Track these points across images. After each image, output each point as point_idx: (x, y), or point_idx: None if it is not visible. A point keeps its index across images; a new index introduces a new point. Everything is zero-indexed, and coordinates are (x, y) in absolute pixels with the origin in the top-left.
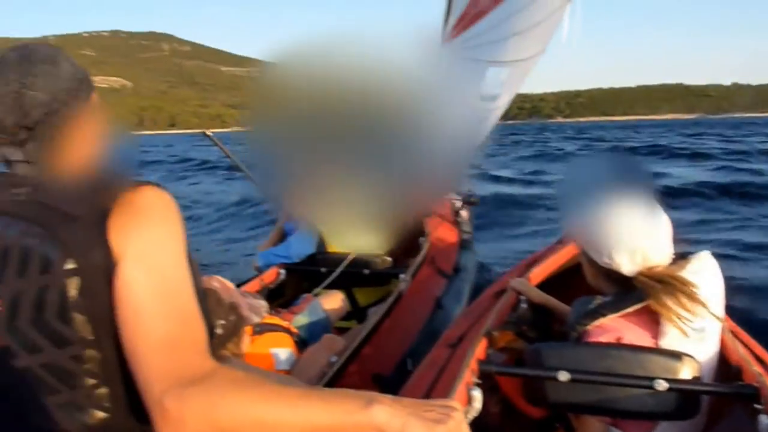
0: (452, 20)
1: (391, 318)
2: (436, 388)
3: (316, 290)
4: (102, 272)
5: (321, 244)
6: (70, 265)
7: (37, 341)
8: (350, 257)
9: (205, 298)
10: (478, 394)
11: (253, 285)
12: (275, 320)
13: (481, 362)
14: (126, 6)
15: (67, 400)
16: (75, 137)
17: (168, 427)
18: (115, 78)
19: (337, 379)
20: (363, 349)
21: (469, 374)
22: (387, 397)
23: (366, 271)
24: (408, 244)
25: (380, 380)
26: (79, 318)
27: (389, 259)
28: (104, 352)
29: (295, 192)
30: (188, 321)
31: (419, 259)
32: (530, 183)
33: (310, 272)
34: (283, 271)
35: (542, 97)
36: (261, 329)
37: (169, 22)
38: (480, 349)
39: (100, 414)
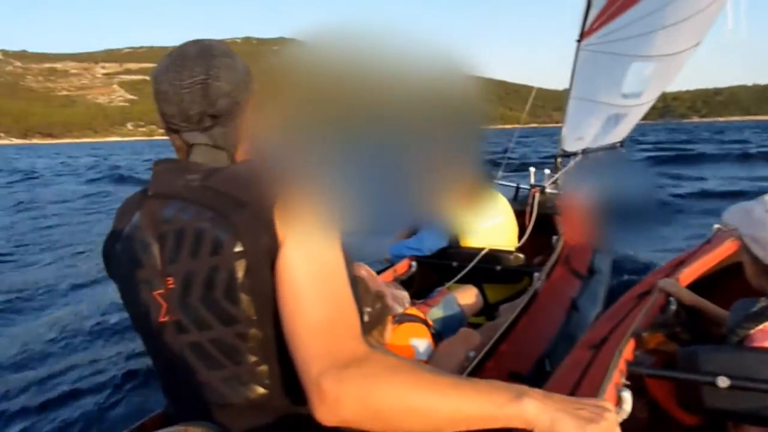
0: (593, 13)
1: (527, 317)
2: (580, 389)
3: (449, 284)
4: (266, 255)
5: (453, 238)
6: (238, 248)
7: (206, 318)
8: (483, 252)
9: (356, 285)
10: (628, 396)
11: (387, 276)
12: (413, 311)
13: (629, 364)
14: (257, 13)
15: (231, 374)
16: (246, 126)
17: (324, 407)
18: None
19: (474, 374)
20: (500, 347)
21: (617, 375)
22: (537, 391)
23: (498, 268)
24: (539, 243)
25: (518, 379)
26: (245, 298)
27: (522, 256)
28: (265, 332)
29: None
30: (344, 305)
31: (554, 258)
32: (664, 185)
33: (441, 266)
34: (414, 264)
35: (676, 96)
36: (400, 319)
37: (298, 28)
38: (628, 350)
39: (261, 390)
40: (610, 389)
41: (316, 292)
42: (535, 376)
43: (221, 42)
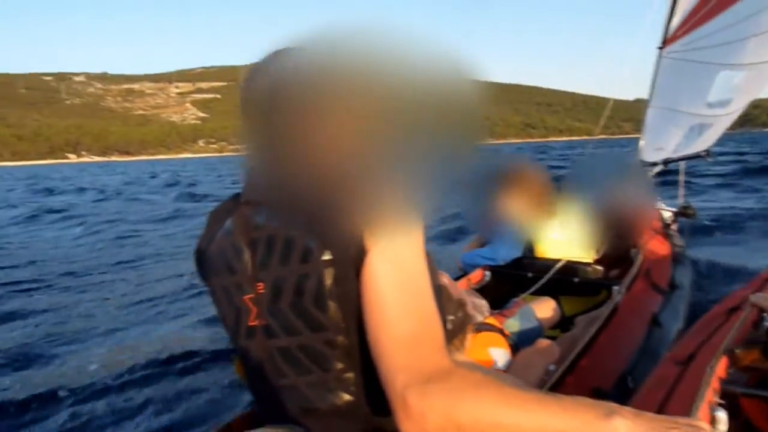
0: (676, 20)
1: (607, 331)
2: (669, 407)
3: (524, 295)
4: (353, 264)
5: (527, 248)
6: (326, 256)
7: (295, 324)
8: (560, 264)
9: (440, 293)
10: (723, 416)
11: (461, 285)
12: (491, 320)
13: (723, 382)
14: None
15: (318, 380)
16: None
17: (409, 421)
18: None
19: (555, 389)
20: (580, 361)
21: (710, 393)
22: (627, 410)
23: (576, 280)
24: (616, 255)
25: (600, 395)
26: (332, 306)
27: (600, 268)
28: (352, 340)
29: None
30: (428, 317)
31: (633, 271)
32: (748, 197)
33: (515, 276)
34: (488, 273)
35: (757, 104)
36: (478, 328)
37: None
38: (720, 367)
39: (347, 396)
40: (703, 408)
41: (401, 303)
42: (618, 392)
43: None
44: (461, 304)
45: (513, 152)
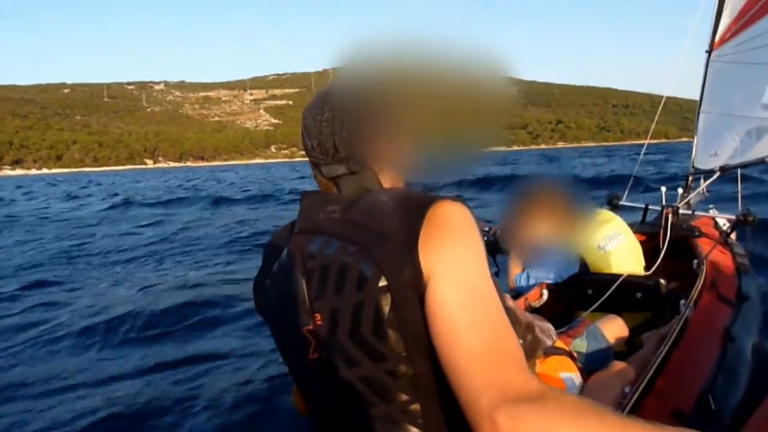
0: (724, 22)
1: (680, 348)
2: None
3: (586, 313)
4: (411, 289)
5: (582, 264)
6: (382, 282)
7: (354, 355)
8: (621, 279)
9: (509, 316)
10: None
11: (518, 304)
12: (558, 342)
13: None
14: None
15: (383, 413)
16: (387, 154)
17: None
18: None
19: (633, 412)
20: (656, 381)
21: None
22: None
23: (638, 295)
24: (669, 267)
25: (682, 418)
26: (392, 334)
27: (663, 282)
28: (416, 368)
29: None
30: (503, 334)
31: (699, 284)
32: None
33: (573, 293)
34: (545, 291)
35: None
36: (546, 352)
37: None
38: None
39: (414, 429)
40: None
41: (472, 321)
42: (701, 414)
43: None
44: (529, 328)
45: (581, 155)
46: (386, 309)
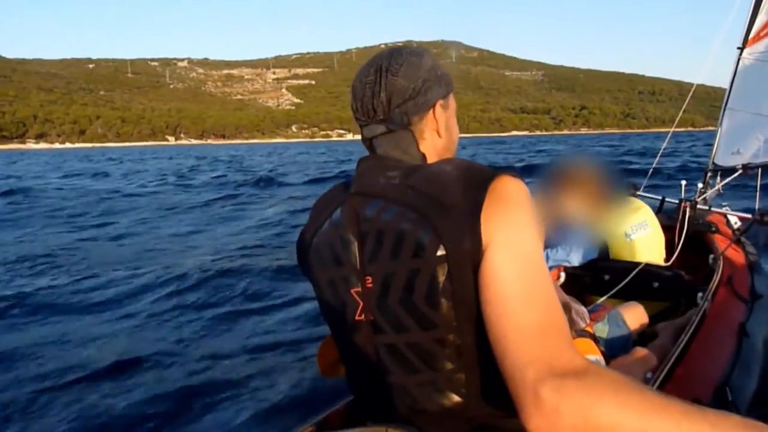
0: (761, 19)
1: (698, 340)
2: None
3: (603, 299)
4: (469, 260)
5: (603, 249)
6: (440, 252)
7: (404, 321)
8: (640, 267)
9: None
10: None
11: None
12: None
13: None
14: (416, 18)
15: (427, 380)
16: (432, 127)
17: (541, 416)
18: None
19: None
20: (676, 370)
21: None
22: None
23: (655, 284)
24: (684, 260)
25: None
26: (445, 303)
27: (683, 273)
28: (464, 339)
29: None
30: (553, 309)
31: (716, 278)
32: None
33: (590, 278)
34: (563, 274)
35: None
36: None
37: (458, 31)
38: None
39: (456, 398)
40: None
41: (525, 293)
42: (718, 405)
43: (417, 45)
44: (567, 308)
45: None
46: (442, 278)
